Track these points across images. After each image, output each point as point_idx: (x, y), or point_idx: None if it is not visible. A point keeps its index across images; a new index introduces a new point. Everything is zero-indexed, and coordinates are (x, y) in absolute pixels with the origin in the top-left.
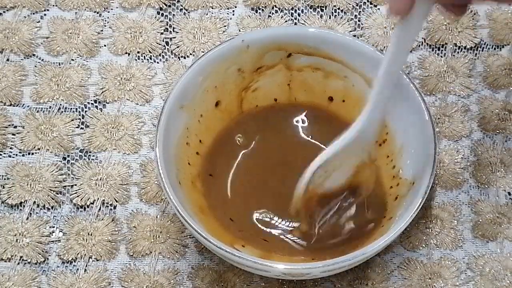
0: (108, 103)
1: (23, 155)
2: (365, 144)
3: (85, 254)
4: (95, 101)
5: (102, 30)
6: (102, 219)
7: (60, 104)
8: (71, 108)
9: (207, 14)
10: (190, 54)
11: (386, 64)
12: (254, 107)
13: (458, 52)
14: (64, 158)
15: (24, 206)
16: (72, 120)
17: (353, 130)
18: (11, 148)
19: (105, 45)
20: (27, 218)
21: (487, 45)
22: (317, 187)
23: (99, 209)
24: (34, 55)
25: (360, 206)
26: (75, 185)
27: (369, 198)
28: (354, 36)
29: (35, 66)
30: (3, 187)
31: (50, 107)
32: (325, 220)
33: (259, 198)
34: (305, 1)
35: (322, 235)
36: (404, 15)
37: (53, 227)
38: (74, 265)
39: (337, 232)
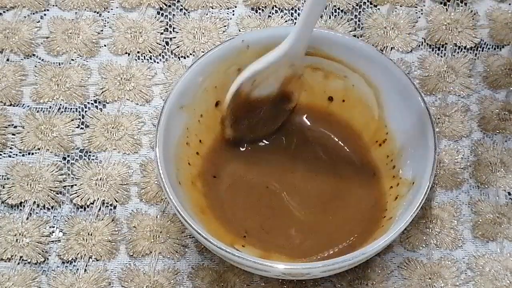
0: (108, 103)
1: (23, 155)
2: (293, 59)
3: (85, 254)
4: (95, 101)
5: (102, 30)
6: (102, 219)
7: (60, 104)
8: (71, 108)
9: (207, 14)
10: (190, 54)
11: None
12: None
13: (458, 52)
14: (64, 158)
15: (24, 206)
16: (72, 120)
17: (282, 47)
18: (11, 148)
19: (105, 45)
20: (27, 218)
21: (487, 45)
22: (247, 92)
23: (99, 209)
24: (34, 55)
25: None
26: (75, 185)
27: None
28: (354, 36)
29: (35, 66)
30: (3, 187)
31: (50, 107)
32: (251, 122)
33: (259, 198)
34: (305, 1)
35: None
36: None
37: (53, 227)
38: (74, 265)
39: None
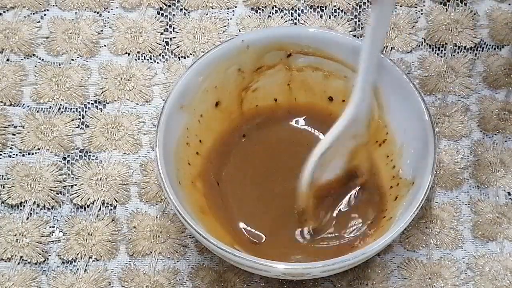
0: (108, 103)
1: (23, 155)
2: (357, 129)
3: (85, 254)
4: (95, 101)
5: (102, 30)
6: (102, 219)
7: (60, 104)
8: (71, 108)
9: (207, 14)
10: (190, 54)
11: (367, 48)
12: (254, 107)
13: (458, 52)
14: (64, 158)
15: (24, 206)
16: (72, 120)
17: (345, 118)
18: (11, 148)
19: (105, 45)
20: (27, 218)
21: (487, 45)
22: (317, 180)
23: (99, 209)
24: (34, 55)
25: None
26: (75, 185)
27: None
28: (354, 36)
29: (35, 66)
30: (3, 187)
31: (50, 107)
32: (332, 212)
33: (259, 198)
34: (305, 1)
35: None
36: None
37: (53, 227)
38: (74, 265)
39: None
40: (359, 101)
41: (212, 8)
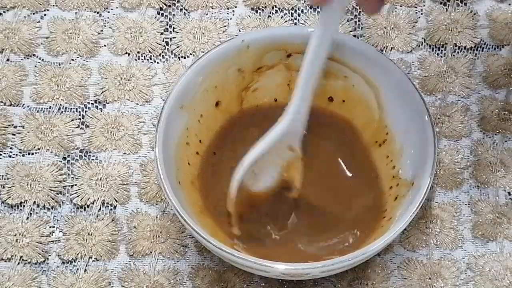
0: (108, 103)
1: (23, 155)
2: (293, 140)
3: (85, 254)
4: (95, 101)
5: (102, 30)
6: (102, 219)
7: (60, 104)
8: (71, 108)
9: (207, 14)
10: (190, 54)
11: (310, 53)
12: (254, 107)
13: (458, 52)
14: (64, 158)
15: (24, 206)
16: (72, 120)
17: (279, 127)
18: (11, 148)
19: (105, 45)
20: (27, 218)
21: (487, 45)
22: (248, 187)
23: (99, 209)
24: (34, 55)
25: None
26: (75, 185)
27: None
28: (354, 36)
29: (35, 66)
30: (3, 187)
31: (50, 107)
32: (257, 218)
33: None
34: (305, 1)
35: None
36: (323, 4)
37: (53, 227)
38: (74, 265)
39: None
40: (295, 113)
41: (212, 8)
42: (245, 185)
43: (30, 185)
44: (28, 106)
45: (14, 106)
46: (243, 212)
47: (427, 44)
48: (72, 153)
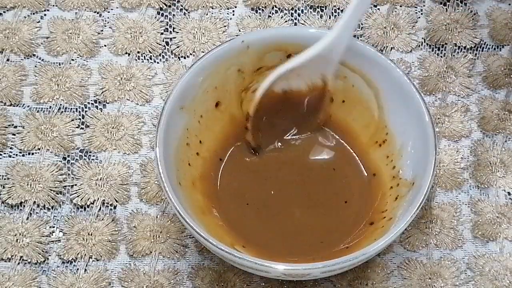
0: (108, 103)
1: (23, 155)
2: (327, 66)
3: (85, 254)
4: (95, 101)
5: (102, 30)
6: (102, 219)
7: (60, 104)
8: (71, 108)
9: (207, 14)
10: (190, 54)
11: None
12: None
13: (458, 52)
14: (64, 158)
15: (24, 206)
16: (72, 120)
17: (321, 43)
18: (11, 148)
19: (105, 45)
20: (27, 218)
21: (487, 45)
22: (275, 93)
23: (99, 209)
24: (34, 55)
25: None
26: (75, 185)
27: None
28: (354, 36)
29: (35, 66)
30: (3, 187)
31: (50, 107)
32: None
33: (259, 198)
34: (305, 1)
35: None
36: None
37: (53, 227)
38: (74, 265)
39: None
40: (336, 37)
41: (212, 8)
42: (274, 89)
43: (30, 185)
44: (28, 106)
45: (14, 106)
46: (259, 118)
47: (427, 44)
48: (72, 153)
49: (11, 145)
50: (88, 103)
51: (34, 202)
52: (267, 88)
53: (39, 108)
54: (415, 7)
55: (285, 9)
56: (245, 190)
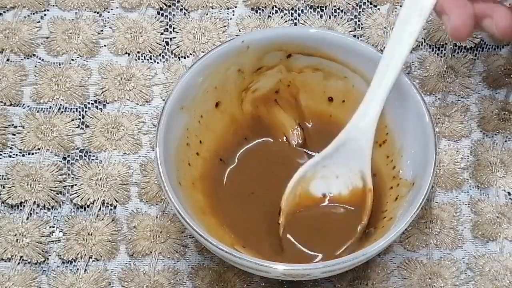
0: (108, 103)
1: (23, 155)
2: (360, 160)
3: (85, 254)
4: (95, 101)
5: (102, 30)
6: (102, 219)
7: (60, 104)
8: (71, 108)
9: (207, 14)
10: (190, 54)
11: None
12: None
13: (458, 52)
14: (64, 158)
15: (24, 206)
16: (72, 120)
17: (339, 138)
18: (11, 148)
19: (105, 45)
20: (27, 218)
21: (487, 45)
22: (303, 190)
23: (99, 209)
24: (34, 55)
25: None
26: (75, 185)
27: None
28: (354, 36)
29: (35, 66)
30: (3, 187)
31: (50, 107)
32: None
33: (259, 198)
34: (305, 1)
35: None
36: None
37: (53, 227)
38: (74, 265)
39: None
40: (359, 119)
41: (212, 8)
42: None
43: (30, 185)
44: (28, 106)
45: (14, 106)
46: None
47: (427, 44)
48: (72, 153)
49: (11, 145)
50: (88, 103)
51: (34, 202)
52: (299, 180)
53: (39, 108)
54: None
55: (285, 9)
56: (245, 191)
